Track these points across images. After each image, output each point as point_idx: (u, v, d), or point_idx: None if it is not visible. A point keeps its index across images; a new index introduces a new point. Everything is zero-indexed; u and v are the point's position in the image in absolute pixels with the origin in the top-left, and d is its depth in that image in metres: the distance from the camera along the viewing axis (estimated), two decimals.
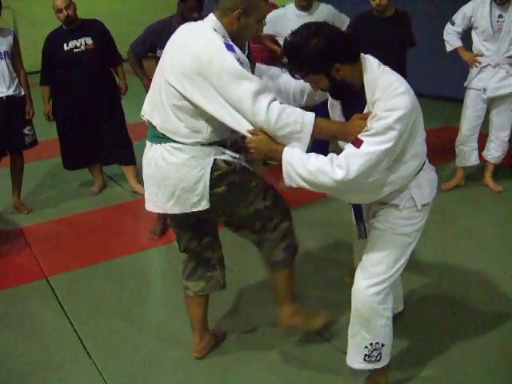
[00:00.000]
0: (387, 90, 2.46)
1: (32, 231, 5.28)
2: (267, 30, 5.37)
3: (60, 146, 5.97)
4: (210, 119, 2.70)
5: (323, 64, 2.48)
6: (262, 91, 2.54)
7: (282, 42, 5.39)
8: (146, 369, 3.37)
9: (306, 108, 2.67)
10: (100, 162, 6.11)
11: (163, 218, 5.03)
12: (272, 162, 2.69)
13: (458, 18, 5.39)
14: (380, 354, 2.90)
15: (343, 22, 5.40)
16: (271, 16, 5.36)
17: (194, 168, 2.80)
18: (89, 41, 5.48)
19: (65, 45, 5.44)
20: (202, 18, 4.41)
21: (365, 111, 2.56)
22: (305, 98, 2.98)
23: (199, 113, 2.69)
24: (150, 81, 4.67)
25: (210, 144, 2.80)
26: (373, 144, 2.41)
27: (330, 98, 2.76)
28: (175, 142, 2.79)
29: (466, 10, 5.34)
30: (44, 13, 12.33)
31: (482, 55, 5.30)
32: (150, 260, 4.78)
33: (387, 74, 2.54)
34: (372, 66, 2.55)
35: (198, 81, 2.61)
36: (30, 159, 6.10)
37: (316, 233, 4.87)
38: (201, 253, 3.23)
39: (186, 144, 2.78)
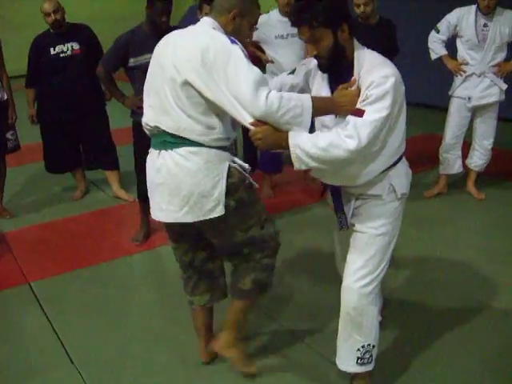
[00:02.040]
0: (377, 61, 2.63)
1: (14, 236, 5.24)
2: None
3: (43, 150, 5.95)
4: (221, 114, 2.70)
5: (337, 18, 2.60)
6: (261, 83, 2.54)
7: (265, 48, 5.43)
8: (130, 374, 3.36)
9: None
10: (83, 166, 6.09)
11: (146, 224, 5.02)
12: (278, 150, 2.66)
13: (442, 26, 5.42)
14: (371, 355, 2.97)
15: None
16: None
17: (211, 172, 2.76)
18: (76, 46, 5.46)
19: (51, 49, 5.41)
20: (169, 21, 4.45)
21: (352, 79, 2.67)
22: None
23: (209, 108, 2.68)
24: (124, 96, 4.69)
25: (224, 148, 2.80)
26: (375, 112, 2.50)
27: (318, 74, 2.83)
28: (190, 144, 2.74)
29: (450, 18, 5.37)
30: (27, 17, 12.32)
31: (466, 64, 5.34)
32: (133, 265, 4.76)
33: (375, 53, 2.69)
34: (363, 47, 2.71)
35: (203, 74, 2.59)
36: (13, 164, 6.07)
37: (313, 236, 4.88)
38: (201, 266, 3.22)
39: (201, 145, 2.74)
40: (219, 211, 2.78)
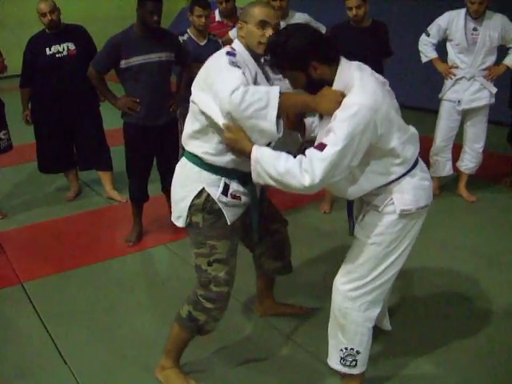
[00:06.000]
0: (350, 90, 2.54)
1: (7, 236, 5.24)
2: None
3: (37, 150, 5.95)
4: (216, 129, 2.78)
5: (301, 61, 2.58)
6: (236, 81, 2.57)
7: None
8: (122, 375, 3.37)
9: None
10: (76, 167, 6.09)
11: (139, 224, 5.03)
12: (242, 156, 2.71)
13: (433, 29, 5.45)
14: (355, 360, 2.97)
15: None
16: None
17: (185, 186, 2.94)
18: (71, 46, 5.46)
19: (47, 49, 5.41)
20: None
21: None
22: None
23: (202, 121, 2.80)
24: (115, 97, 4.71)
25: (215, 168, 2.88)
26: (330, 145, 2.44)
27: None
28: (187, 155, 2.96)
29: (441, 21, 5.40)
30: (21, 17, 12.31)
31: (456, 67, 5.37)
32: (126, 266, 4.76)
33: (355, 76, 2.58)
34: (350, 69, 2.62)
35: (200, 87, 2.76)
36: (5, 164, 6.07)
37: (305, 238, 4.89)
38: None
39: (190, 160, 2.93)
40: (180, 223, 3.01)
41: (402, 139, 2.66)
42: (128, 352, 3.57)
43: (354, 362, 2.98)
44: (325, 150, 2.44)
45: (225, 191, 2.90)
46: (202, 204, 2.89)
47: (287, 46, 2.57)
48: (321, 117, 2.83)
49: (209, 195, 2.88)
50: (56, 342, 3.67)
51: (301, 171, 2.46)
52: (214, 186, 2.89)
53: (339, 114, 2.49)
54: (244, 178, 2.93)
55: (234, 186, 2.93)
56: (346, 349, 2.95)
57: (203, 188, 2.88)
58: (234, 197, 2.93)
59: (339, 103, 2.54)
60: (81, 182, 6.34)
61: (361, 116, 2.45)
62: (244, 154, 2.65)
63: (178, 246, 4.85)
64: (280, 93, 2.58)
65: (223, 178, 2.89)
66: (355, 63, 2.67)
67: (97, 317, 3.95)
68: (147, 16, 4.42)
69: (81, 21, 6.01)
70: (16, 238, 5.27)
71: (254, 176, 2.62)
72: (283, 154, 2.54)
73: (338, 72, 2.62)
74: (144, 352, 3.54)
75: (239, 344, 3.61)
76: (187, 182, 2.94)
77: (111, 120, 5.86)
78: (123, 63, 4.49)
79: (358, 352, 2.96)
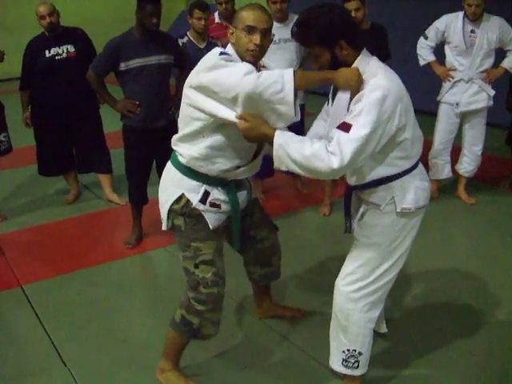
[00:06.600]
0: (372, 73, 2.57)
1: (6, 239, 5.24)
2: None
3: (36, 152, 5.95)
4: (207, 130, 2.76)
5: (330, 38, 2.58)
6: (244, 69, 2.57)
7: None
8: (122, 377, 3.37)
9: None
10: (76, 169, 6.09)
11: (138, 227, 5.03)
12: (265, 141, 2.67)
13: (430, 32, 5.46)
14: (357, 361, 2.97)
15: None
16: None
17: (168, 189, 2.99)
18: (71, 48, 5.46)
19: (47, 51, 5.41)
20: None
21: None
22: None
23: (201, 126, 2.76)
24: (114, 99, 4.71)
25: (197, 174, 2.88)
26: (359, 127, 2.44)
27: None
28: (172, 159, 3.00)
29: (438, 24, 5.42)
30: (19, 19, 12.30)
31: (455, 70, 5.38)
32: (125, 269, 4.76)
33: (378, 64, 2.66)
34: (371, 60, 2.67)
35: (194, 86, 2.70)
36: (5, 166, 6.07)
37: (305, 240, 4.91)
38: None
39: (174, 165, 2.96)
40: (164, 225, 3.03)
41: (413, 134, 2.69)
42: (128, 354, 3.57)
43: (356, 364, 2.98)
44: (352, 132, 2.44)
45: (203, 199, 2.91)
46: (181, 209, 2.92)
47: (319, 20, 2.57)
48: (332, 99, 2.81)
49: (188, 201, 2.90)
50: (55, 344, 3.67)
51: (327, 154, 2.43)
52: (193, 193, 2.90)
53: (367, 96, 2.49)
54: (227, 186, 2.95)
55: (215, 194, 2.93)
56: (348, 350, 2.96)
57: (182, 194, 2.90)
58: (212, 205, 2.93)
59: (358, 78, 2.57)
60: (80, 184, 6.34)
61: (389, 102, 2.48)
62: (265, 140, 2.60)
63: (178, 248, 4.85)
64: (295, 72, 2.55)
65: (204, 185, 2.90)
66: (375, 57, 2.71)
67: (96, 319, 3.95)
68: (146, 18, 4.42)
69: (80, 23, 6.01)
70: (15, 240, 5.27)
71: (275, 163, 2.57)
72: (307, 138, 2.54)
73: (357, 59, 2.63)
74: (144, 354, 3.54)
75: (238, 346, 3.62)
76: (169, 187, 2.99)
77: (111, 122, 5.87)
78: (122, 66, 4.49)
79: (360, 353, 2.96)
